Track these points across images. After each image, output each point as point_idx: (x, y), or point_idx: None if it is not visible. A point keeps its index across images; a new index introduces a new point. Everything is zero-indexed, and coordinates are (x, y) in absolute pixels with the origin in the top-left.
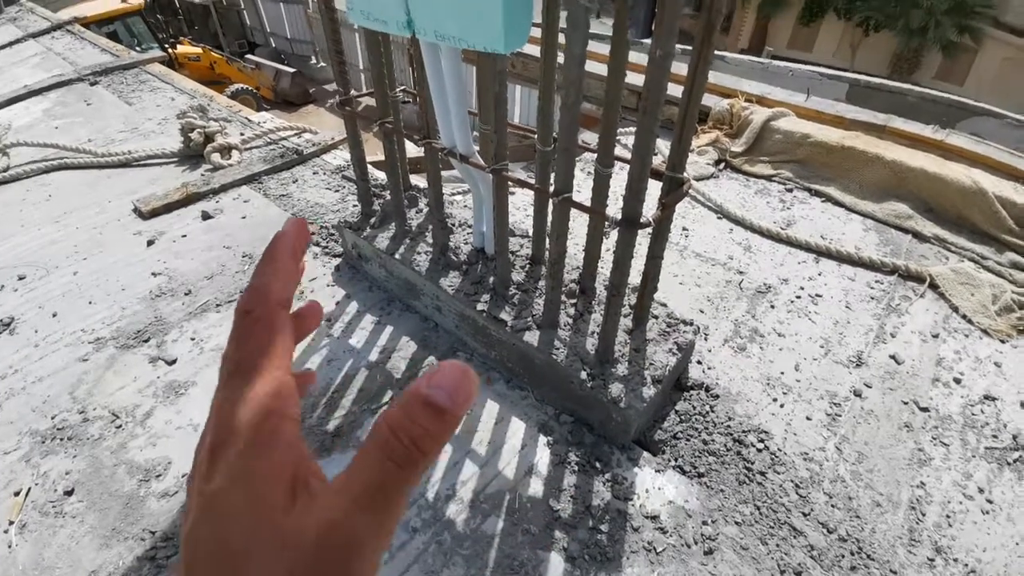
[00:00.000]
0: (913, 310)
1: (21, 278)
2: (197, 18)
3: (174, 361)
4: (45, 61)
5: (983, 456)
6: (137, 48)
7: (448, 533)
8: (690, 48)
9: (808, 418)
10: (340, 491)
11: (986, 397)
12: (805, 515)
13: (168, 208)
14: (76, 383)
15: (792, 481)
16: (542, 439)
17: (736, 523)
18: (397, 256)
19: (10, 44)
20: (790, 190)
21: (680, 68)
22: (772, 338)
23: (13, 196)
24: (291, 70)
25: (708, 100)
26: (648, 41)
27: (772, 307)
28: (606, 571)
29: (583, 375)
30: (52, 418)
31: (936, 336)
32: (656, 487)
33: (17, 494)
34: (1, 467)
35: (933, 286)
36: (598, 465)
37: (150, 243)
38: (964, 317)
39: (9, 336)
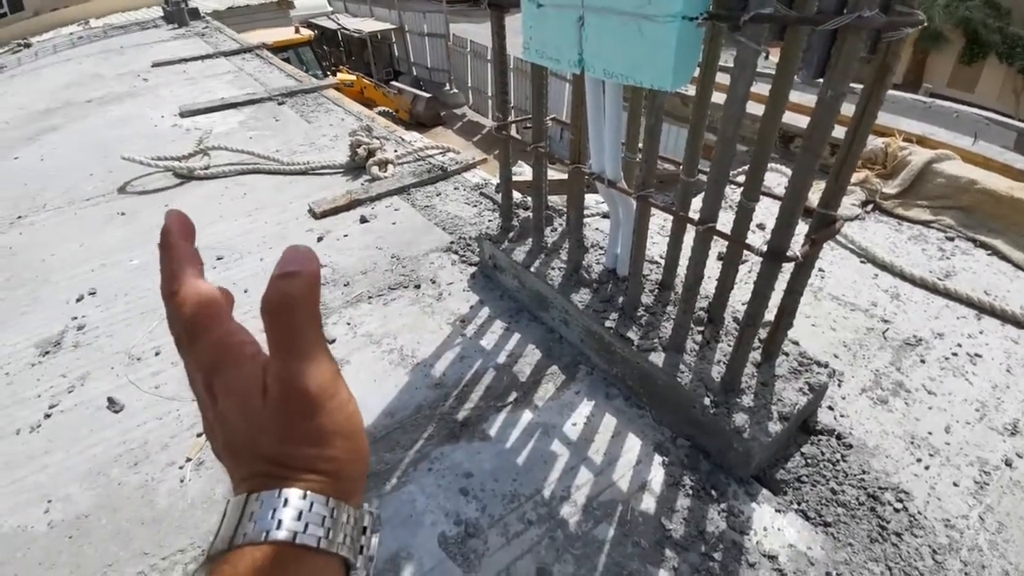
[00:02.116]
0: None
1: (219, 258)
2: (355, 49)
3: (333, 341)
4: (237, 79)
5: None
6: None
7: (561, 531)
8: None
9: (955, 484)
10: (270, 363)
11: None
12: None
13: (335, 211)
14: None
15: (930, 547)
16: (657, 458)
17: None
18: (532, 269)
19: (202, 58)
20: (951, 239)
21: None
22: (920, 395)
23: (214, 190)
24: (427, 95)
25: None
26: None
27: (922, 361)
28: None
29: (706, 401)
30: None
31: None
32: (776, 527)
33: (200, 435)
34: (189, 411)
35: None
36: (713, 493)
37: (319, 239)
38: None
39: None
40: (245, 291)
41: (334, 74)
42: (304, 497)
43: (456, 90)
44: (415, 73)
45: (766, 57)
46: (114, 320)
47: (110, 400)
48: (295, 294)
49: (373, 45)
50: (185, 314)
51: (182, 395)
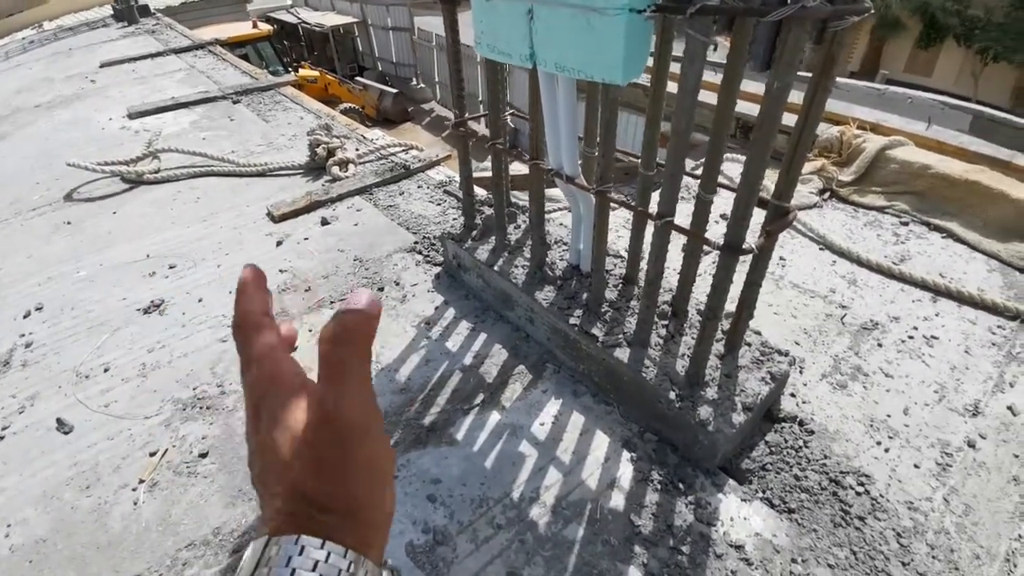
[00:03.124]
0: None
1: (172, 267)
2: (317, 44)
3: (295, 348)
4: (189, 77)
5: None
6: (267, 70)
7: (531, 534)
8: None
9: (916, 466)
10: (315, 388)
11: None
12: (904, 564)
13: (295, 214)
14: (216, 360)
15: (894, 530)
16: (625, 454)
17: (829, 566)
18: (496, 268)
19: (151, 56)
20: (905, 223)
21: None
22: (878, 378)
23: (165, 195)
24: (393, 91)
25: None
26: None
27: (879, 345)
28: None
29: (671, 395)
30: (193, 389)
31: None
32: (742, 516)
33: (153, 455)
34: (141, 430)
35: None
36: (681, 486)
37: (279, 243)
38: None
39: (159, 316)
40: (200, 300)
41: (296, 70)
42: (322, 547)
43: (423, 85)
44: (380, 68)
45: (715, 49)
46: (61, 336)
47: (59, 421)
48: (353, 329)
49: (336, 40)
50: (243, 345)
51: (133, 413)
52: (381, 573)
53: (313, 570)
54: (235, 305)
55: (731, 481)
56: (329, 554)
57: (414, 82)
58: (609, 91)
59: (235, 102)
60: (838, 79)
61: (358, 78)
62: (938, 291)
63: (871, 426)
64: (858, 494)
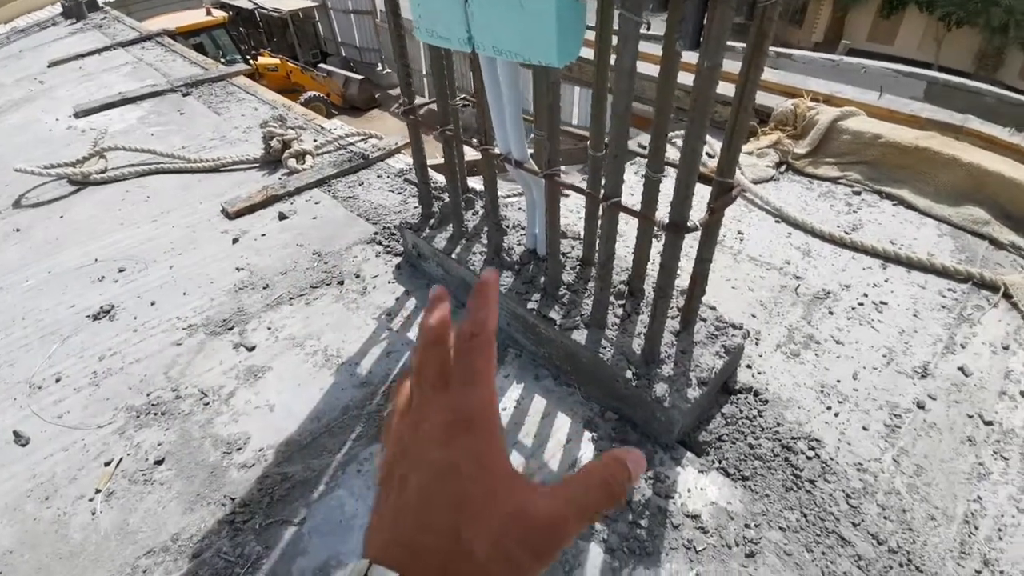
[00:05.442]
0: (985, 320)
1: (121, 270)
2: (276, 31)
3: (253, 348)
4: (137, 71)
5: None
6: (222, 59)
7: None
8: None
9: (865, 428)
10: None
11: None
12: (855, 525)
13: (251, 209)
14: (171, 364)
15: (843, 491)
16: (587, 435)
17: (781, 528)
18: (454, 256)
19: (99, 51)
20: (858, 193)
21: (736, 66)
22: (829, 345)
23: (112, 196)
24: (359, 77)
25: (771, 100)
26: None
27: (831, 313)
28: (644, 565)
29: (628, 374)
30: (148, 395)
31: (1007, 348)
32: (699, 487)
33: (108, 464)
34: (94, 440)
35: (1007, 296)
36: None
37: (235, 241)
38: None
39: (109, 322)
40: (152, 303)
41: (255, 58)
42: None
43: (389, 70)
44: (344, 54)
45: (648, 28)
46: (13, 347)
47: (15, 433)
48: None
49: (295, 25)
50: (471, 358)
51: (86, 423)
52: None
53: None
54: (475, 309)
55: (689, 454)
56: None
57: (380, 67)
58: (549, 74)
59: (185, 95)
60: (796, 52)
61: (321, 65)
62: (888, 258)
63: (822, 392)
64: (808, 458)
